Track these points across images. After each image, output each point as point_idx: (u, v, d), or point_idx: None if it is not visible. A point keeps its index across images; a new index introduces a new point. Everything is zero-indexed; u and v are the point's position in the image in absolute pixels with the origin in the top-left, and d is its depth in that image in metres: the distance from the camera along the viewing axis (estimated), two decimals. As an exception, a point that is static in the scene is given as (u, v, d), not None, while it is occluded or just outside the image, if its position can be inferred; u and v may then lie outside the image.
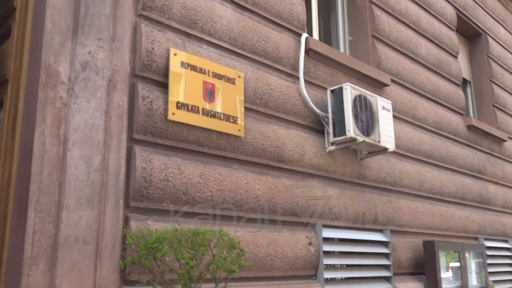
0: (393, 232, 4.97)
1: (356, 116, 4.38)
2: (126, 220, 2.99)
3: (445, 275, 5.35)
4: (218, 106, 3.61)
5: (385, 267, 4.80)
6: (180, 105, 3.36)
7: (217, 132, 3.58)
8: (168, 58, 3.36)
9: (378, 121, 4.59)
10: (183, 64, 3.43)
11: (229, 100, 3.69)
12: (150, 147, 3.18)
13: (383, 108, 4.72)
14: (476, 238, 6.47)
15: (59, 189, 2.99)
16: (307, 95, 4.38)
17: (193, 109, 3.44)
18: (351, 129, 4.29)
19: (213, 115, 3.55)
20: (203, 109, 3.50)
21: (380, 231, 4.87)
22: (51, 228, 2.94)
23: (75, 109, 3.11)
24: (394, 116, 5.12)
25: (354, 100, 4.41)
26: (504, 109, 8.01)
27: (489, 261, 6.39)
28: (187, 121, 3.39)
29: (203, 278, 2.72)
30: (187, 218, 3.26)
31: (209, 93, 3.58)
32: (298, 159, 4.18)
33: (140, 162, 3.08)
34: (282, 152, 4.05)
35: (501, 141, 7.61)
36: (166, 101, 3.30)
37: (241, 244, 2.91)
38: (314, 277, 4.12)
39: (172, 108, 3.31)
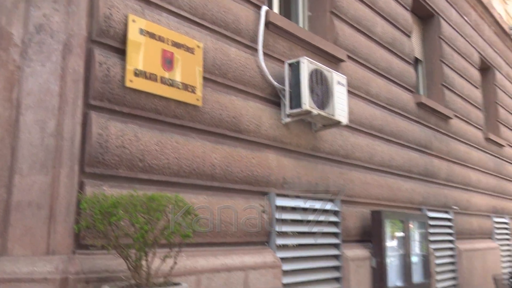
0: (343, 202, 5.19)
1: (312, 90, 4.49)
2: (81, 186, 3.00)
3: (390, 243, 5.66)
4: (176, 75, 3.62)
5: (335, 234, 5.02)
6: (138, 73, 3.35)
7: (175, 101, 3.60)
8: (126, 25, 3.33)
9: (333, 95, 4.73)
10: (141, 32, 3.40)
11: (188, 70, 3.71)
12: (106, 114, 3.18)
13: (338, 83, 4.85)
14: (420, 209, 6.83)
15: (12, 153, 2.96)
16: (265, 68, 4.45)
17: (151, 77, 3.44)
18: (306, 102, 4.40)
19: (171, 84, 3.56)
20: (161, 78, 3.50)
21: (331, 200, 5.07)
22: (3, 192, 2.92)
23: (28, 72, 3.05)
24: (348, 91, 5.26)
25: (311, 74, 4.51)
26: (452, 89, 8.36)
27: (430, 231, 6.78)
28: (145, 89, 3.39)
29: (158, 243, 2.79)
30: (144, 185, 3.31)
31: (168, 62, 3.58)
32: (254, 129, 4.27)
33: (96, 128, 3.08)
34: (239, 122, 4.12)
35: (447, 118, 7.97)
36: (123, 68, 3.28)
37: (196, 211, 2.99)
38: (266, 244, 4.27)
39: (129, 75, 3.30)
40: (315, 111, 4.47)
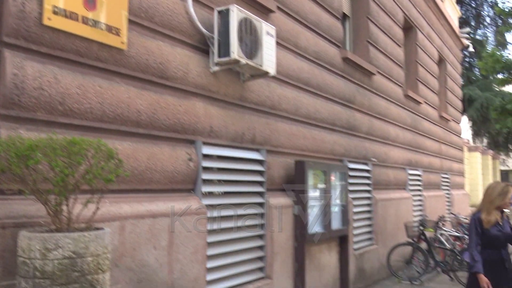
0: (268, 151, 5.31)
1: (241, 39, 4.47)
2: (-4, 128, 2.84)
3: (313, 194, 5.91)
4: (100, 16, 3.45)
5: (260, 183, 5.16)
6: (57, 11, 3.15)
7: (98, 43, 3.44)
8: (43, -43, 3.09)
9: (261, 45, 4.73)
10: (60, -35, 3.18)
11: (112, 11, 3.54)
12: (22, 53, 2.99)
13: (267, 33, 4.85)
14: (341, 160, 7.15)
15: None
16: (194, 14, 4.35)
17: (72, 16, 3.25)
18: (235, 51, 4.38)
19: (94, 24, 3.40)
20: (83, 17, 3.32)
21: (257, 150, 5.17)
22: None
23: None
24: (277, 43, 5.30)
25: (240, 23, 4.47)
26: (376, 45, 8.64)
27: (350, 181, 7.14)
28: (65, 29, 3.21)
29: (79, 188, 2.73)
30: (65, 129, 3.19)
31: (90, 1, 3.39)
32: (182, 77, 4.21)
33: (10, 68, 2.90)
34: (166, 69, 4.04)
35: (370, 74, 8.27)
36: (41, 5, 3.07)
37: (121, 158, 2.94)
38: (192, 191, 4.31)
39: (47, 12, 3.10)
40: (244, 60, 4.47)
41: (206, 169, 4.48)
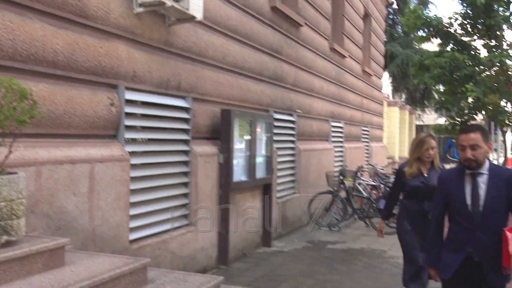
0: (194, 99, 5.24)
1: (166, -21, 4.27)
2: None
3: (238, 143, 5.96)
4: None
5: (185, 131, 5.11)
6: None
7: (7, -27, 3.15)
8: None
9: (188, -12, 4.56)
10: None
11: None
12: None
13: (195, -25, 4.68)
14: (267, 111, 7.23)
15: None
16: (115, -51, 4.08)
17: None
18: (160, -8, 4.19)
19: (1, -48, 3.09)
20: None
21: (183, 97, 5.08)
22: None
23: None
24: (204, -14, 5.12)
25: (166, -38, 4.26)
26: (305, -4, 8.63)
27: (275, 131, 7.27)
28: (-32, -46, 2.90)
29: (-10, 130, 2.56)
30: (-30, 67, 2.94)
31: None
32: (103, 17, 3.98)
33: None
34: (85, 7, 3.80)
35: (298, 25, 8.30)
36: None
37: (35, 99, 2.77)
38: (115, 137, 4.19)
39: None
40: (169, 2, 4.30)
41: (129, 115, 4.36)
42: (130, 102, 4.34)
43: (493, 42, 8.07)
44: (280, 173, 7.67)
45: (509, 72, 7.95)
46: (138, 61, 4.40)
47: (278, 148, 7.52)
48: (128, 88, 4.28)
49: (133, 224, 4.34)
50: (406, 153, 24.22)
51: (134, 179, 4.36)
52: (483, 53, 8.29)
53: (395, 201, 4.66)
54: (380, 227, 4.75)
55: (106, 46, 4.02)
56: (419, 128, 35.02)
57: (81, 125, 3.78)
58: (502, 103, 8.38)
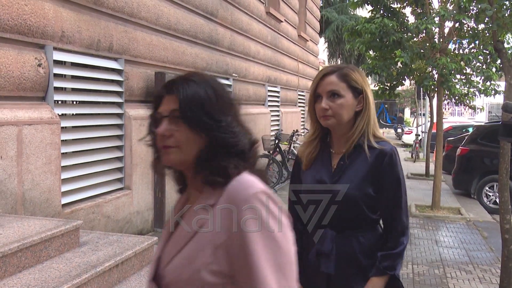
0: (127, 61, 5.15)
1: None
2: None
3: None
4: None
5: (118, 93, 5.03)
6: None
7: None
8: None
9: None
10: None
11: None
12: None
13: None
14: (203, 74, 7.19)
15: None
16: None
17: None
18: None
19: None
20: None
21: (115, 59, 4.98)
22: None
23: None
24: None
25: None
26: (241, -42, 8.53)
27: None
28: None
29: None
30: None
31: None
32: (26, -28, 3.79)
33: None
34: (6, -39, 3.60)
35: (234, -12, 8.24)
36: None
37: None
38: (43, 99, 4.07)
39: None
40: (98, -41, 4.15)
41: (59, 76, 4.24)
42: (59, 63, 4.21)
43: (420, 10, 8.41)
44: (216, 137, 7.71)
45: (434, 39, 8.36)
46: (67, 20, 4.25)
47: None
48: (56, 49, 4.14)
49: (65, 188, 4.29)
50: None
51: (65, 142, 4.28)
52: (412, 20, 8.63)
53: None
54: None
55: (31, 3, 3.85)
56: (354, 94, 36.11)
57: (6, 87, 3.64)
58: (428, 69, 8.83)
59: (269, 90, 10.77)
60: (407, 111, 37.29)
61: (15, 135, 3.63)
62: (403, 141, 21.50)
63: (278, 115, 11.58)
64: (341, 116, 1.76)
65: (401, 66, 8.35)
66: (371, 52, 9.10)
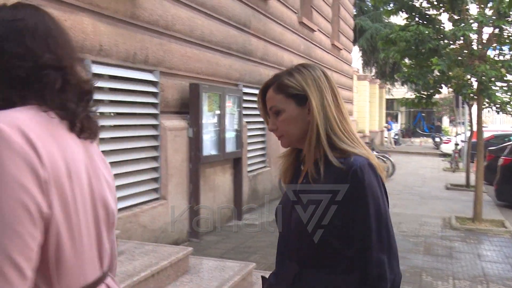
0: (162, 73, 5.24)
1: (130, -49, 4.21)
2: None
3: (208, 117, 5.99)
4: None
5: (153, 105, 5.12)
6: None
7: None
8: None
9: (153, -41, 4.52)
10: None
11: None
12: None
13: None
14: (236, 85, 7.26)
15: None
16: None
17: None
18: (124, -37, 4.14)
19: None
20: None
21: (150, 71, 5.07)
22: None
23: None
24: (170, -42, 5.07)
25: None
26: (273, -31, 8.59)
27: (245, 105, 7.32)
28: None
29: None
30: None
31: None
32: (65, -11, 3.92)
33: None
34: (47, -21, 3.73)
35: (267, -1, 8.29)
36: None
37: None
38: (81, 112, 4.17)
39: None
40: (134, -26, 4.25)
41: (97, 89, 4.33)
42: (97, 76, 4.32)
43: (457, 16, 8.24)
44: (250, 147, 7.75)
45: (472, 46, 8.15)
46: (104, 35, 4.36)
47: (248, 122, 7.58)
48: (94, 62, 4.25)
49: (103, 198, 4.36)
50: (376, 127, 24.70)
51: (102, 153, 4.36)
52: (448, 26, 8.46)
53: None
54: None
55: (71, 19, 3.97)
56: (390, 102, 35.64)
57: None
58: (467, 76, 8.61)
59: (302, 100, 10.71)
60: (446, 120, 36.47)
61: (55, 146, 3.72)
62: (441, 151, 20.98)
63: (312, 125, 11.49)
64: (289, 132, 1.44)
65: (438, 74, 8.18)
66: (406, 60, 8.96)
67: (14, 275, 0.86)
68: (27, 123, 0.92)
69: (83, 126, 1.09)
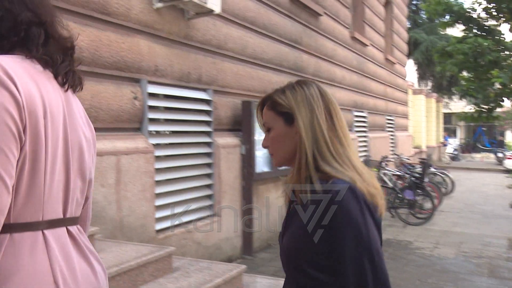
0: (215, 91, 5.33)
1: (184, -26, 4.35)
2: None
3: (260, 135, 6.02)
4: None
5: (207, 123, 5.21)
6: None
7: (31, -26, 3.27)
8: None
9: (206, -19, 4.63)
10: None
11: None
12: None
13: (213, -31, 4.74)
14: (289, 102, 7.25)
15: None
16: None
17: None
18: (179, -14, 4.28)
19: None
20: None
21: (204, 90, 5.18)
22: None
23: None
24: (223, -20, 5.19)
25: (184, -43, 4.34)
26: (324, -14, 8.60)
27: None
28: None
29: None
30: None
31: None
32: (124, 13, 4.09)
33: None
34: (107, 4, 3.91)
35: (317, 15, 8.28)
36: None
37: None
38: (139, 130, 4.31)
39: None
40: (188, -3, 4.38)
41: (153, 108, 4.47)
42: (153, 95, 4.46)
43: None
44: (303, 164, 7.68)
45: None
46: (159, 55, 4.50)
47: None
48: (150, 82, 4.39)
49: (159, 214, 4.47)
50: (433, 142, 23.94)
51: (158, 170, 4.48)
52: (509, 37, 8.13)
53: None
54: None
55: (128, 41, 4.13)
56: (447, 117, 34.47)
57: (106, 119, 3.90)
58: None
59: (355, 115, 10.59)
60: (509, 134, 34.79)
61: (114, 164, 3.87)
62: (505, 167, 19.98)
63: (365, 141, 11.32)
64: (278, 152, 1.37)
65: (499, 87, 7.85)
66: (464, 73, 8.67)
67: (1, 188, 0.96)
68: (10, 65, 1.02)
69: (67, 78, 1.17)
